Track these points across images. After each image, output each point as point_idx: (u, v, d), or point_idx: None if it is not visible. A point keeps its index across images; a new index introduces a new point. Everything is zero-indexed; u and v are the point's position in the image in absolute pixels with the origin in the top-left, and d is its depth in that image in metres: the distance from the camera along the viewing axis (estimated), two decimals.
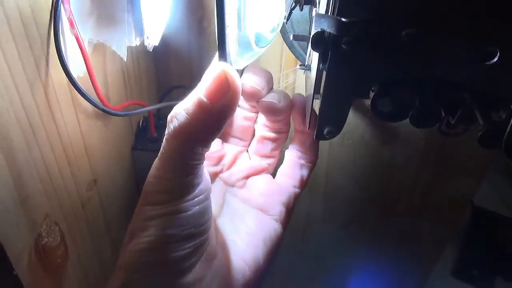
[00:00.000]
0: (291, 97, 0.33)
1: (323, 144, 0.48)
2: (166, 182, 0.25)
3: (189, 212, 0.26)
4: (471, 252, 0.66)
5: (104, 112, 0.29)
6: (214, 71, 0.24)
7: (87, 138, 0.31)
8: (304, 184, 0.36)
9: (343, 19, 0.23)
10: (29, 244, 0.26)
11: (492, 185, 0.71)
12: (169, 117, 0.25)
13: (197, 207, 0.26)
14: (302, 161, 0.35)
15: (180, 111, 0.24)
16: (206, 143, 0.25)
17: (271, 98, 0.31)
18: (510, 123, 0.26)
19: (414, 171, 0.50)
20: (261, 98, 0.31)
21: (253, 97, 0.31)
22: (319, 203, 0.54)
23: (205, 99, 0.24)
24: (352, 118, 0.45)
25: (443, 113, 0.31)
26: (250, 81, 0.31)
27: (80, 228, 0.32)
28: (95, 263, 0.35)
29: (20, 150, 0.24)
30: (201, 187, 0.27)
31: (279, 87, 0.45)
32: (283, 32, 0.38)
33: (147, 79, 0.42)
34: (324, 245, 0.58)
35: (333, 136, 0.29)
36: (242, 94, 0.30)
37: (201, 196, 0.26)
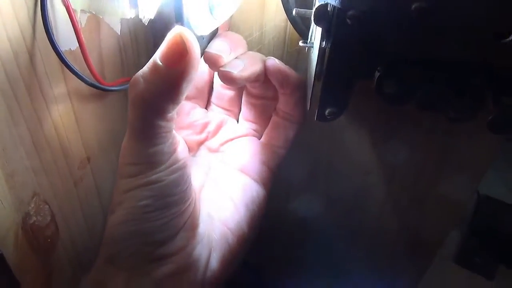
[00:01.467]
0: (262, 63, 0.32)
1: (325, 129, 0.47)
2: (135, 153, 0.25)
3: (163, 183, 0.25)
4: (474, 239, 0.65)
5: (93, 87, 0.28)
6: (170, 34, 0.23)
7: (79, 114, 0.30)
8: (289, 145, 0.35)
9: None
10: (16, 223, 0.25)
11: (497, 173, 0.70)
12: (129, 85, 0.24)
13: (171, 176, 0.26)
14: (287, 121, 0.34)
15: (138, 77, 0.23)
16: (165, 111, 0.24)
17: (229, 66, 0.29)
18: None
19: (419, 157, 0.49)
20: (221, 65, 0.30)
21: (214, 63, 0.29)
22: (321, 190, 0.53)
23: (159, 63, 0.23)
24: (356, 103, 0.44)
25: (451, 96, 0.30)
26: (214, 47, 0.29)
27: (72, 207, 0.31)
28: (88, 242, 0.34)
29: (3, 123, 0.23)
30: (174, 156, 0.26)
31: None
32: (287, 7, 0.36)
33: (146, 55, 0.40)
34: (325, 232, 0.57)
35: (335, 118, 0.27)
36: (205, 61, 0.29)
37: (175, 166, 0.26)
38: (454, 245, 0.66)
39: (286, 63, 0.43)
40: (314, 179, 0.52)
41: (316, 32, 0.27)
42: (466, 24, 0.22)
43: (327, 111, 0.27)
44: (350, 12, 0.22)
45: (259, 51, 0.41)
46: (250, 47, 0.41)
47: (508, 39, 0.22)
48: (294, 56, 0.42)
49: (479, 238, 0.66)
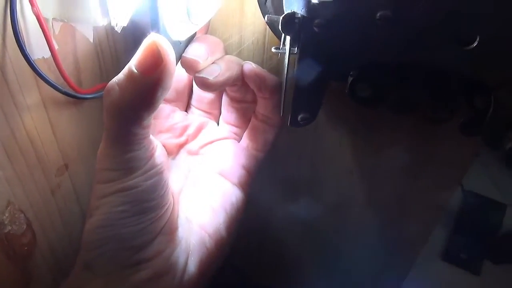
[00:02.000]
0: (239, 67, 0.32)
1: (308, 130, 0.47)
2: (111, 159, 0.25)
3: (140, 188, 0.26)
4: (460, 235, 0.66)
5: (66, 95, 0.28)
6: (145, 42, 0.23)
7: (55, 122, 0.30)
8: (268, 148, 0.35)
9: (313, 0, 0.22)
10: None
11: (482, 168, 0.70)
12: (104, 92, 0.24)
13: (148, 182, 0.26)
14: (266, 125, 0.35)
15: (113, 85, 0.23)
16: (140, 119, 0.24)
17: (205, 72, 0.30)
18: (490, 113, 0.25)
19: (401, 155, 0.49)
20: (198, 70, 0.30)
21: (191, 68, 0.29)
22: (304, 189, 0.53)
23: (135, 70, 0.23)
24: (336, 103, 0.44)
25: (424, 99, 0.30)
26: (190, 52, 0.29)
27: (50, 214, 0.31)
28: (68, 249, 0.34)
29: None
30: (151, 161, 0.26)
31: None
32: (264, 10, 0.36)
33: (126, 61, 0.40)
34: (311, 232, 0.58)
35: (308, 123, 0.28)
36: (182, 66, 0.29)
37: (152, 171, 0.26)
38: (441, 242, 0.67)
39: (266, 66, 0.43)
40: (298, 180, 0.52)
41: (286, 39, 0.27)
42: (430, 32, 0.23)
43: (299, 117, 0.27)
44: (317, 21, 0.22)
45: (239, 54, 0.41)
46: (230, 51, 0.41)
47: (472, 45, 0.23)
48: (275, 59, 0.43)
49: (465, 234, 0.67)
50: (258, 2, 0.36)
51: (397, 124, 0.45)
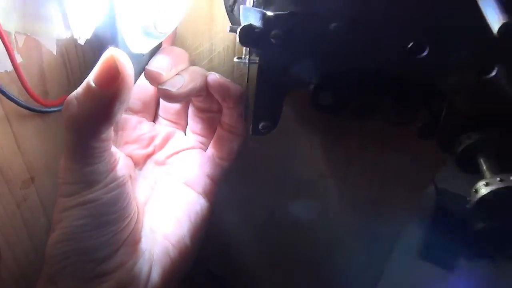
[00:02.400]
0: (203, 78, 0.32)
1: (280, 136, 0.47)
2: (71, 173, 0.25)
3: (100, 201, 0.26)
4: (434, 233, 0.67)
5: (28, 110, 0.28)
6: (103, 56, 0.23)
7: (20, 135, 0.30)
8: (233, 157, 0.36)
9: (268, 13, 0.22)
10: None
11: (455, 166, 0.72)
12: (63, 106, 0.24)
13: (109, 195, 0.26)
14: (231, 134, 0.35)
15: (72, 99, 0.23)
16: (98, 133, 0.24)
17: (169, 83, 0.30)
18: (442, 117, 0.26)
19: (374, 155, 0.50)
20: (162, 82, 0.30)
21: (154, 80, 0.30)
22: (278, 193, 0.53)
23: (93, 84, 0.23)
24: (305, 109, 0.45)
25: (385, 104, 0.31)
26: (154, 64, 0.30)
27: (15, 228, 0.31)
28: (34, 262, 0.34)
29: None
30: (112, 174, 0.26)
31: (232, 77, 0.44)
32: (232, 19, 0.37)
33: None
34: (288, 236, 0.58)
35: (269, 131, 0.28)
36: (145, 78, 0.30)
37: (112, 184, 0.26)
38: (416, 240, 0.68)
39: (237, 72, 0.44)
40: (272, 185, 0.52)
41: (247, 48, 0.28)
42: (382, 41, 0.23)
43: (260, 125, 0.27)
44: (273, 32, 0.23)
45: (209, 61, 0.41)
46: (201, 59, 0.41)
47: (423, 54, 0.24)
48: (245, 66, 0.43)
49: (439, 231, 0.68)
50: (226, 10, 0.36)
51: (368, 124, 0.46)
